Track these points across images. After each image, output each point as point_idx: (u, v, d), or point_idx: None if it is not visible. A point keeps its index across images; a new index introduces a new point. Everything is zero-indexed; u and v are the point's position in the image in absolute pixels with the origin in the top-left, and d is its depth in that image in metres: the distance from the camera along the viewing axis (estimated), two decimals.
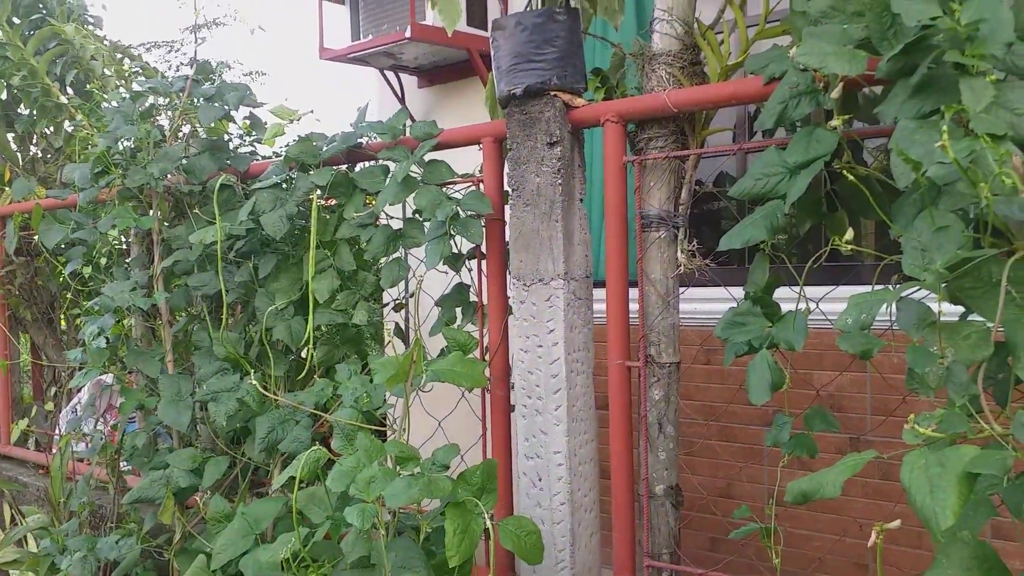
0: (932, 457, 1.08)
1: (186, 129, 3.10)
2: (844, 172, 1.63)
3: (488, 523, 1.79)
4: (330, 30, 4.41)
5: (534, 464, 2.16)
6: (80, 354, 2.93)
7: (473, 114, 4.18)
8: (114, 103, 3.01)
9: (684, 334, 2.21)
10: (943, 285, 1.25)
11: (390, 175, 2.41)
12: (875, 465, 3.18)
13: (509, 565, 2.30)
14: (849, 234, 1.59)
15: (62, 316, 4.40)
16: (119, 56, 4.56)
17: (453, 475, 1.89)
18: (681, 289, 2.13)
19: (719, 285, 2.17)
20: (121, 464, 3.12)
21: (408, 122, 2.54)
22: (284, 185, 2.59)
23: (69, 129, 4.31)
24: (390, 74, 4.62)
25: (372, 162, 2.57)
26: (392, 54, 4.29)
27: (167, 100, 3.03)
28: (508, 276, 2.30)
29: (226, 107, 2.90)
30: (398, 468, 1.87)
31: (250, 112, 3.20)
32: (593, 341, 2.23)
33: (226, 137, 3.20)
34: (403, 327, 2.78)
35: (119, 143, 2.92)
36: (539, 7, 2.31)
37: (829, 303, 1.87)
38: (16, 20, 4.33)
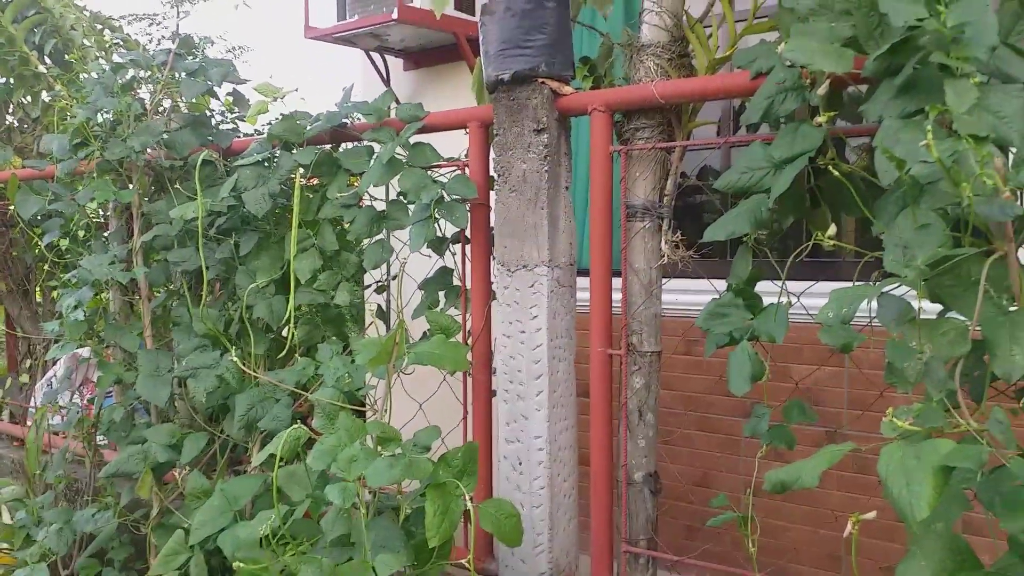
0: (909, 450, 1.10)
1: (167, 104, 3.06)
2: (828, 168, 1.66)
3: (468, 505, 1.81)
4: (316, 8, 4.37)
5: (515, 448, 2.18)
6: (57, 326, 2.90)
7: (458, 98, 4.16)
8: (94, 74, 2.96)
9: (666, 324, 2.23)
10: (923, 282, 1.28)
11: (375, 156, 2.40)
12: (851, 458, 3.24)
13: (488, 547, 2.32)
14: (832, 230, 1.62)
15: (38, 288, 4.35)
16: (99, 27, 4.48)
17: (434, 457, 1.90)
18: (664, 279, 2.15)
19: (702, 277, 2.20)
20: (97, 438, 3.10)
21: (393, 104, 2.53)
22: (267, 163, 2.58)
23: (47, 99, 4.24)
24: (376, 55, 4.59)
25: (356, 143, 2.56)
26: (378, 35, 4.26)
27: (148, 73, 2.99)
28: (492, 261, 2.31)
29: (209, 82, 2.87)
30: (379, 448, 1.88)
31: (233, 88, 3.17)
32: (576, 328, 2.25)
33: (208, 113, 3.17)
34: (385, 309, 2.78)
35: (99, 115, 2.88)
36: None
37: (809, 298, 1.90)
38: None
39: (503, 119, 2.17)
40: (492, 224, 2.29)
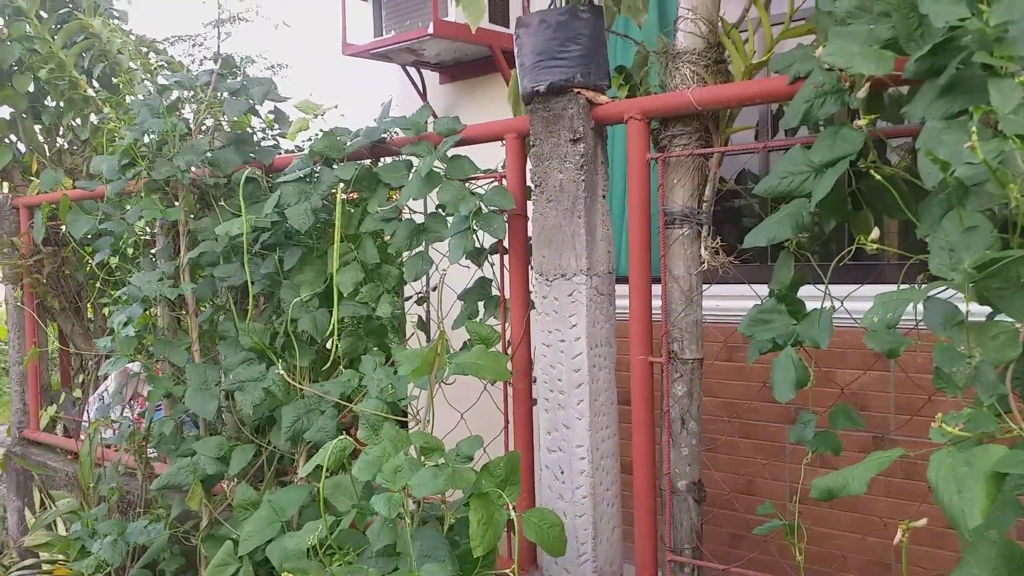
0: (960, 456, 1.09)
1: (210, 123, 3.14)
2: (870, 171, 1.64)
3: (512, 514, 1.82)
4: (353, 26, 4.44)
5: (556, 457, 2.19)
6: (109, 342, 2.99)
7: (494, 110, 4.20)
8: (140, 96, 3.05)
9: (707, 330, 2.22)
10: (971, 285, 1.26)
11: (413, 170, 2.43)
12: (899, 464, 3.18)
13: (532, 557, 2.32)
14: (874, 233, 1.60)
15: (89, 305, 4.47)
16: (145, 50, 4.61)
17: (476, 467, 1.91)
18: (704, 286, 2.14)
19: (743, 282, 2.18)
20: (148, 451, 3.17)
21: (431, 118, 2.56)
22: (308, 179, 2.62)
23: (95, 121, 4.37)
24: (412, 70, 4.64)
25: (395, 157, 2.59)
26: (414, 50, 4.31)
27: (192, 94, 3.07)
28: (530, 271, 2.32)
29: (251, 101, 2.94)
30: (423, 458, 1.90)
31: (274, 106, 3.24)
32: (616, 336, 2.24)
33: (250, 131, 3.23)
34: (425, 320, 2.81)
35: (145, 136, 2.96)
36: (563, 5, 2.32)
37: (853, 302, 1.88)
38: (44, 14, 4.39)
39: (539, 130, 2.18)
40: (530, 234, 2.31)
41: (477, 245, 2.35)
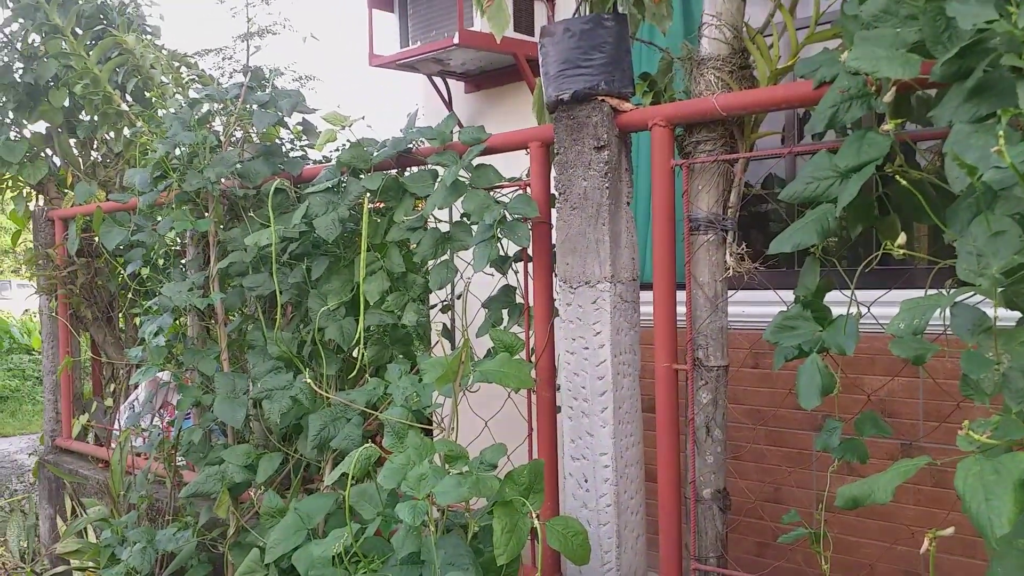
0: (987, 464, 1.07)
1: (239, 134, 3.19)
2: (897, 176, 1.62)
3: (535, 522, 1.81)
4: (380, 37, 4.49)
5: (580, 465, 2.18)
6: (140, 352, 3.03)
7: (519, 119, 4.21)
8: (172, 110, 3.11)
9: (732, 337, 2.20)
10: (999, 290, 1.24)
11: (439, 179, 2.45)
12: (928, 472, 3.13)
13: (555, 565, 2.31)
14: (901, 238, 1.58)
15: (121, 315, 4.54)
16: (176, 64, 4.70)
17: (500, 475, 1.92)
18: (729, 292, 2.13)
19: (768, 288, 2.17)
20: (177, 459, 3.22)
21: (456, 127, 2.58)
22: (336, 190, 2.65)
23: (129, 135, 4.45)
24: (438, 79, 4.68)
25: (421, 167, 2.61)
26: (440, 60, 4.35)
27: (222, 106, 3.12)
28: (554, 279, 2.32)
29: (280, 113, 2.98)
30: (447, 466, 1.90)
31: (302, 118, 3.28)
32: (640, 344, 2.24)
33: (279, 142, 3.28)
34: (450, 328, 2.82)
35: (177, 148, 3.01)
36: (587, 13, 2.33)
37: (880, 307, 1.85)
38: (79, 31, 4.50)
39: (563, 138, 2.19)
40: (554, 242, 2.31)
41: (501, 253, 2.35)
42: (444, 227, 2.49)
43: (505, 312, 2.50)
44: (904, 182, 1.57)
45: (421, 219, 2.50)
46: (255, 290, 2.80)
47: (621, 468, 2.14)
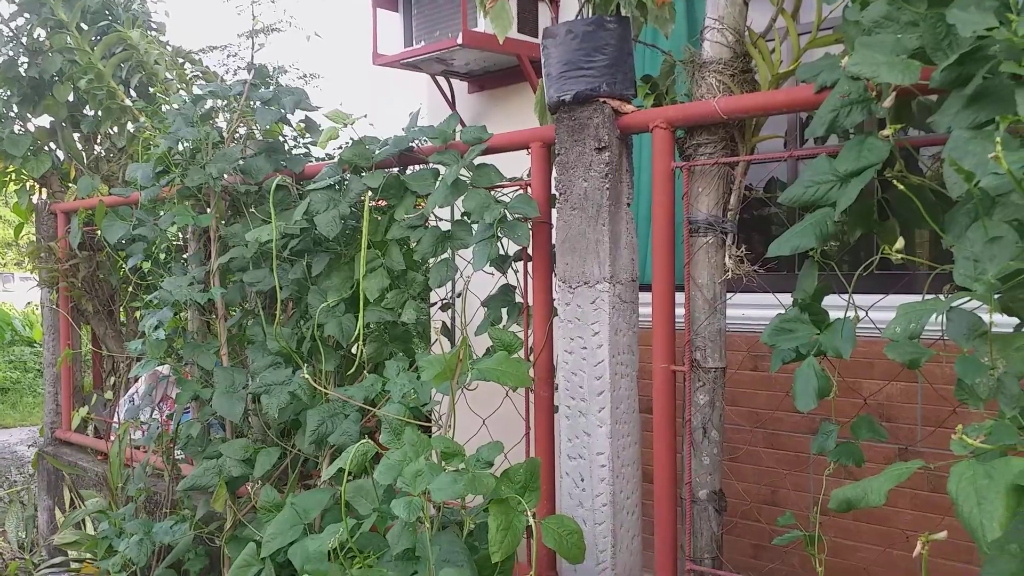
0: (980, 468, 1.07)
1: (242, 131, 3.20)
2: (895, 182, 1.63)
3: (531, 521, 1.82)
4: (383, 36, 4.49)
5: (577, 465, 2.19)
6: (140, 345, 3.04)
7: (522, 119, 4.22)
8: (175, 106, 3.12)
9: (730, 339, 2.21)
10: (995, 296, 1.24)
11: (440, 178, 2.46)
12: (924, 476, 3.13)
13: (550, 563, 2.32)
14: (900, 243, 1.59)
15: (121, 308, 4.55)
16: (181, 61, 4.71)
17: (497, 473, 1.92)
18: (728, 294, 2.14)
19: (767, 291, 2.17)
20: (176, 452, 3.22)
21: (458, 127, 2.59)
22: (338, 187, 2.66)
23: (132, 130, 4.47)
24: (441, 79, 4.68)
25: (423, 165, 2.62)
26: (443, 60, 4.35)
27: (225, 103, 3.13)
28: (554, 278, 2.33)
29: (282, 110, 2.99)
30: (444, 463, 1.91)
31: (305, 115, 3.29)
32: (639, 344, 2.24)
33: (281, 139, 3.29)
34: (449, 326, 2.83)
35: (179, 144, 3.02)
36: (590, 15, 2.34)
37: (879, 311, 1.86)
38: (84, 26, 4.51)
39: (565, 139, 2.20)
40: (554, 242, 2.32)
41: (501, 252, 2.36)
42: (445, 226, 2.49)
43: (504, 311, 2.50)
44: (903, 187, 1.58)
45: (422, 217, 2.50)
46: (255, 286, 2.81)
47: (617, 468, 2.15)
